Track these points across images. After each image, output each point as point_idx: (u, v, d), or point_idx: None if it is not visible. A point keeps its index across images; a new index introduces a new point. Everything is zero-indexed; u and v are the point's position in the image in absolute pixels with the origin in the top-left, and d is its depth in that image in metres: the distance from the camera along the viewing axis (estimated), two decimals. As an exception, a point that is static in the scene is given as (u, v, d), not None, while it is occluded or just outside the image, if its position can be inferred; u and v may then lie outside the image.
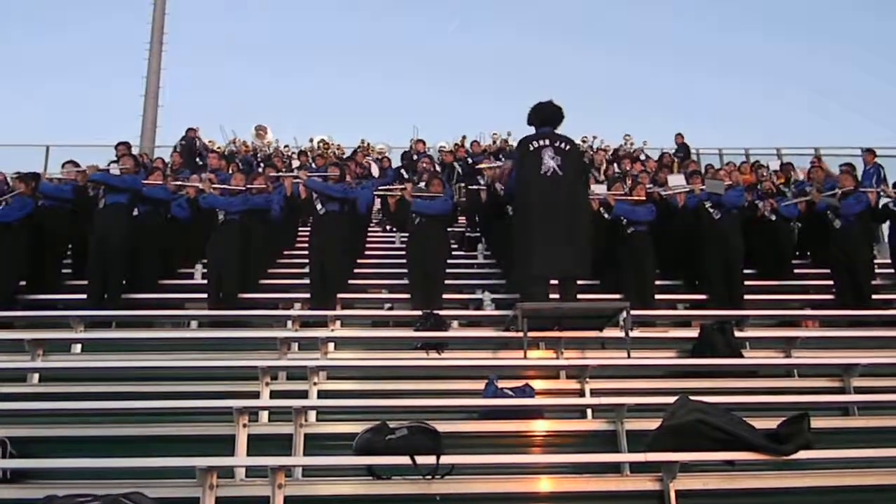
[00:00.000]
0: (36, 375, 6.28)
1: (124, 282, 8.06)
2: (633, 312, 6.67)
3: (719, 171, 10.25)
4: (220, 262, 8.02)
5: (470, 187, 10.10)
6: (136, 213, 8.35)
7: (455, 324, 7.70)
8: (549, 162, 7.20)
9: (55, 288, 8.23)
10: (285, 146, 16.02)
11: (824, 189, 9.07)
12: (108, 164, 9.10)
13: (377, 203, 11.30)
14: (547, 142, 7.30)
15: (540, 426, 5.42)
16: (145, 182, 8.81)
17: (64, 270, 8.78)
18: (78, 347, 6.97)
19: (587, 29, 50.55)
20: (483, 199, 9.37)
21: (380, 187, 10.37)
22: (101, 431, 5.26)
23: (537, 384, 5.90)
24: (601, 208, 8.76)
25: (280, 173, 10.16)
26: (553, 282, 7.17)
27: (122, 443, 5.15)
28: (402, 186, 9.26)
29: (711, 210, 8.43)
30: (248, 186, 8.66)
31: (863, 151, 12.20)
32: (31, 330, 7.18)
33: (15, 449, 4.91)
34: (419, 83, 50.51)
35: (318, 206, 8.31)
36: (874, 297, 8.43)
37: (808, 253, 10.11)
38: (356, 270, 9.21)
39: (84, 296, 7.82)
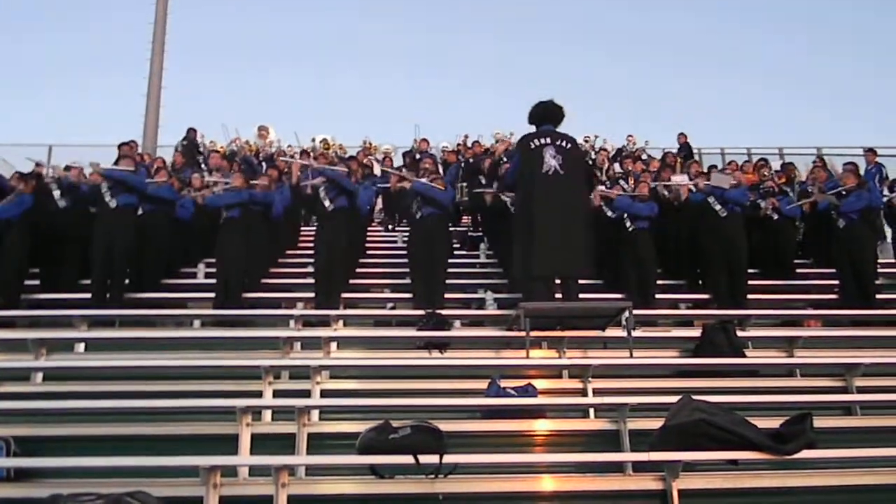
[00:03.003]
0: (40, 375, 6.28)
1: (127, 281, 8.07)
2: (635, 312, 6.65)
3: (724, 171, 10.25)
4: (228, 261, 8.01)
5: (474, 192, 10.06)
6: (140, 212, 8.38)
7: (457, 323, 7.71)
8: (551, 161, 7.17)
9: (71, 287, 8.23)
10: (288, 146, 16.01)
11: (826, 189, 9.06)
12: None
13: (379, 203, 11.32)
14: (548, 140, 7.28)
15: (542, 426, 5.43)
16: (150, 181, 8.83)
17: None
18: (81, 347, 6.98)
19: (587, 29, 50.57)
20: (487, 201, 9.31)
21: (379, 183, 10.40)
22: (104, 430, 5.28)
23: (540, 384, 5.90)
24: (603, 205, 8.76)
25: (289, 159, 10.07)
26: (555, 281, 7.17)
27: (125, 442, 5.17)
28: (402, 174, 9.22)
29: (717, 208, 8.40)
30: (252, 182, 8.65)
31: (864, 151, 12.20)
32: (34, 329, 7.20)
33: (19, 448, 4.93)
34: (420, 82, 50.63)
35: (327, 203, 8.23)
36: (877, 296, 8.41)
37: (811, 252, 10.10)
38: (358, 270, 9.22)
39: (88, 295, 7.83)
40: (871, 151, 12.05)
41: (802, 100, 51.72)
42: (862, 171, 9.96)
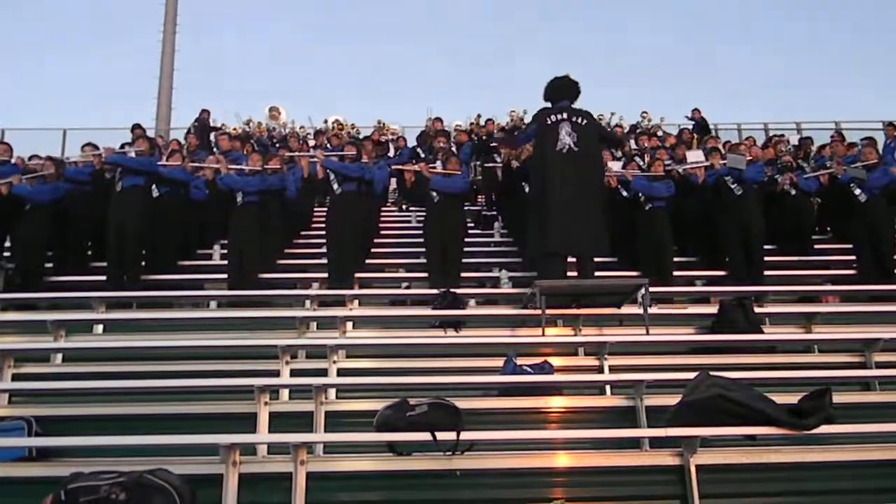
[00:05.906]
0: (59, 356, 6.34)
1: (143, 263, 8.12)
2: (651, 289, 6.62)
3: (739, 146, 10.14)
4: (242, 243, 8.04)
5: (486, 165, 10.04)
6: (156, 194, 8.41)
7: (472, 302, 7.71)
8: (566, 138, 7.09)
9: (83, 269, 8.30)
10: (301, 127, 16.02)
11: (844, 163, 8.94)
12: (122, 147, 9.12)
13: (393, 183, 11.30)
14: (564, 116, 7.19)
15: (559, 402, 5.42)
16: (164, 164, 8.85)
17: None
18: (100, 328, 7.01)
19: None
20: (499, 177, 9.34)
21: (395, 165, 10.37)
22: (124, 410, 5.33)
23: (556, 361, 5.88)
24: (619, 186, 8.74)
25: (296, 153, 10.13)
26: (570, 259, 7.14)
27: (145, 421, 5.21)
28: (417, 165, 9.23)
29: (732, 186, 8.33)
30: (264, 167, 8.66)
31: (884, 125, 12.06)
32: (53, 311, 7.25)
33: (40, 428, 4.99)
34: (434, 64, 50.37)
35: (335, 186, 8.33)
36: (896, 271, 8.31)
37: (829, 228, 10.02)
38: (373, 250, 9.23)
39: (105, 277, 7.89)
40: (890, 125, 11.91)
41: (821, 74, 51.01)
42: (881, 146, 9.85)
